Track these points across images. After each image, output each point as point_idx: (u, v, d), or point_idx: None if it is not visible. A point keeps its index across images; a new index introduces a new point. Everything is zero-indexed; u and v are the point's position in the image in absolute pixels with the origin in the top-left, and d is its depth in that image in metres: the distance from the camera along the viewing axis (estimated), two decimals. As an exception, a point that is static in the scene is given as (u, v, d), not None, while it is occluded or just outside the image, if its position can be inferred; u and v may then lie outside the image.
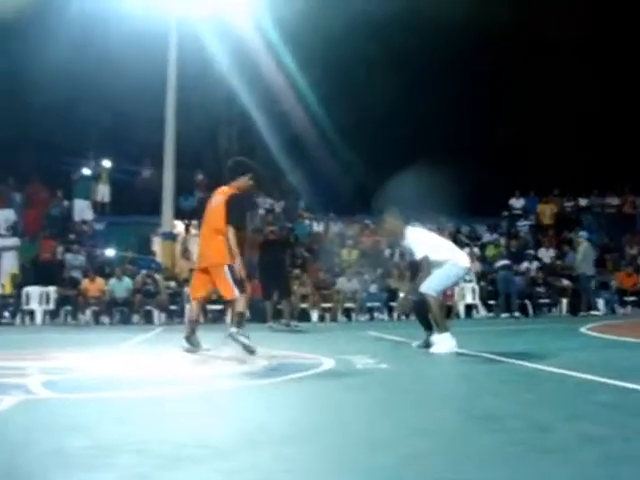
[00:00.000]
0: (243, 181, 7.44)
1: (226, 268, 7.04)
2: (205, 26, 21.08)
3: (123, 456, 2.64)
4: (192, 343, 7.38)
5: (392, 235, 8.12)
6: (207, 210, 7.56)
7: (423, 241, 7.75)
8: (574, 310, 19.17)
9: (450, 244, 8.26)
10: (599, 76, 27.13)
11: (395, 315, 18.53)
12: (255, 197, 21.68)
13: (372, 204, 8.41)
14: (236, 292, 7.02)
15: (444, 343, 7.29)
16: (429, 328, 8.02)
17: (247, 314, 7.40)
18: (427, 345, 7.72)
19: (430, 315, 7.73)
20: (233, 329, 6.96)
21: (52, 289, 17.38)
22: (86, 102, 24.45)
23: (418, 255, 7.65)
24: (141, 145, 24.43)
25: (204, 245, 7.47)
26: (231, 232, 7.02)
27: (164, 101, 20.78)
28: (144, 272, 17.74)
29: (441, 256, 7.68)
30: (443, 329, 7.44)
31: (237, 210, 7.21)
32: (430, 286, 7.53)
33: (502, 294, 18.68)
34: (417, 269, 7.92)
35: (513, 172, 26.26)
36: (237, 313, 7.10)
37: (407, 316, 17.44)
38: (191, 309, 7.97)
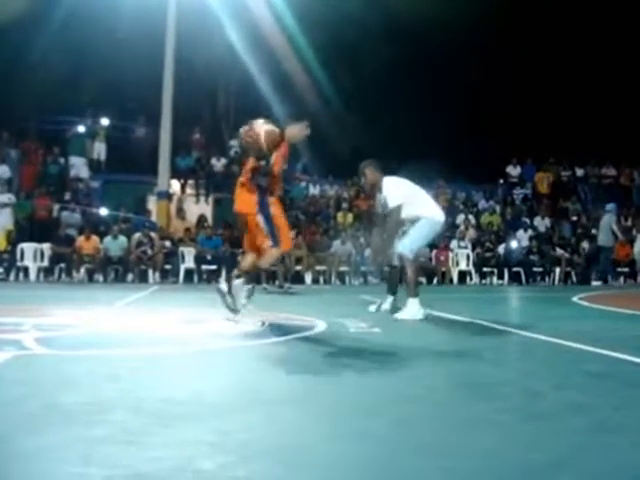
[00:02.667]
0: (296, 127, 6.33)
1: (259, 217, 6.19)
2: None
3: (118, 412, 2.67)
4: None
5: (373, 187, 7.91)
6: None
7: (399, 190, 7.61)
8: (585, 279, 19.54)
9: (425, 196, 7.94)
10: (599, 47, 26.98)
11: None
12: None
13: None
14: (269, 242, 6.19)
15: (411, 309, 7.19)
16: (394, 293, 8.12)
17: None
18: (393, 310, 7.72)
19: (404, 278, 7.61)
20: (237, 281, 6.21)
21: (46, 246, 17.35)
22: (83, 60, 24.26)
23: (391, 204, 7.49)
24: (138, 103, 24.27)
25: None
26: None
27: (162, 59, 20.60)
28: (140, 233, 17.69)
29: (415, 210, 7.53)
30: (413, 294, 7.28)
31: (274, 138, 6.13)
32: (406, 245, 7.45)
33: None
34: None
35: (510, 139, 26.21)
36: (255, 264, 6.41)
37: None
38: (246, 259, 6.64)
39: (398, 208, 7.44)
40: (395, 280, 8.30)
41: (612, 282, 18.91)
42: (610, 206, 19.06)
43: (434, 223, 7.66)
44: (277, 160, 6.30)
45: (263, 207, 6.20)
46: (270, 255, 6.30)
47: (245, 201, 6.28)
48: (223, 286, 6.30)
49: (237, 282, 6.21)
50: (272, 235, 6.17)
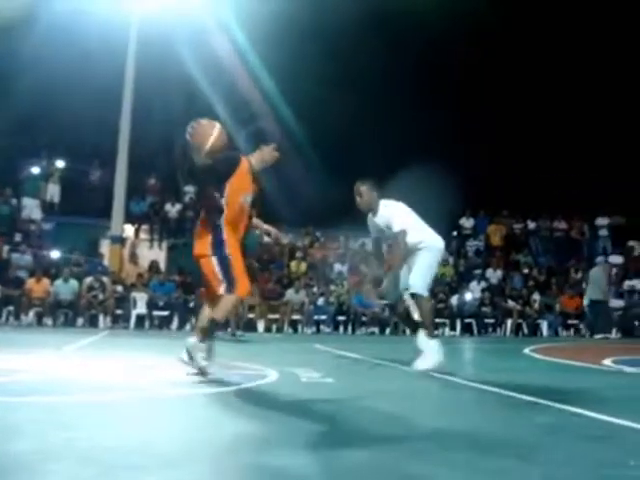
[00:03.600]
0: (267, 150, 6.04)
1: (213, 259, 5.63)
2: (166, 25, 20.94)
3: (66, 462, 2.61)
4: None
5: (369, 208, 7.26)
6: None
7: (401, 214, 7.13)
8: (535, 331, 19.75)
9: (422, 223, 7.36)
10: (554, 98, 27.58)
11: (341, 329, 18.67)
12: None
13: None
14: (222, 288, 5.56)
15: (431, 353, 6.65)
16: (416, 329, 7.14)
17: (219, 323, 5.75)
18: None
19: (417, 317, 7.06)
20: (193, 339, 5.60)
21: (-5, 288, 17.08)
22: (39, 101, 24.12)
23: (396, 227, 6.95)
24: (94, 146, 24.16)
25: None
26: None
27: (120, 103, 20.61)
28: (92, 277, 17.48)
29: (417, 236, 7.03)
30: (430, 334, 6.79)
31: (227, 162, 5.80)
32: (417, 282, 6.86)
33: None
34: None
35: (463, 192, 26.53)
36: (210, 319, 5.65)
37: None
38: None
39: (405, 232, 6.95)
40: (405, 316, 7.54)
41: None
42: (600, 259, 19.33)
43: (437, 250, 7.22)
44: (232, 192, 5.74)
45: (217, 247, 5.60)
46: (225, 303, 5.56)
47: (201, 242, 5.71)
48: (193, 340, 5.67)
49: (192, 341, 5.56)
50: (227, 279, 5.52)
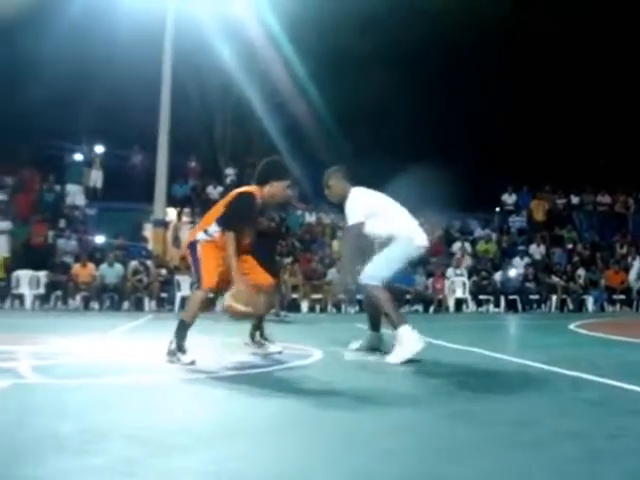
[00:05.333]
0: (277, 187, 5.85)
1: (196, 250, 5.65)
2: (203, 12, 20.99)
3: (113, 442, 2.67)
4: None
5: (339, 199, 6.47)
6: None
7: (364, 203, 6.29)
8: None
9: (405, 216, 6.43)
10: (597, 73, 27.15)
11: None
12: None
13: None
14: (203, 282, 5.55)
15: (405, 343, 5.72)
16: (375, 328, 6.67)
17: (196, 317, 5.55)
18: (371, 348, 6.52)
19: (381, 311, 6.20)
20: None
21: (42, 273, 17.32)
22: (79, 87, 24.34)
23: (350, 219, 6.22)
24: (134, 130, 24.35)
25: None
26: (227, 239, 5.50)
27: (159, 87, 20.70)
28: (136, 261, 17.67)
29: (387, 228, 6.24)
30: (400, 322, 5.87)
31: (237, 213, 5.65)
32: (371, 275, 6.10)
33: None
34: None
35: (506, 167, 26.31)
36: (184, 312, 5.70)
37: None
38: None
39: (358, 226, 6.19)
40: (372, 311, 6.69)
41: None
42: None
43: (410, 247, 6.27)
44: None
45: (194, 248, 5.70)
46: (195, 298, 5.68)
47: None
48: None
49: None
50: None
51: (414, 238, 6.28)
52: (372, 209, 6.28)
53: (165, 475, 2.24)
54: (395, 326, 5.86)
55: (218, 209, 5.75)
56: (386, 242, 6.24)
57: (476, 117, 26.96)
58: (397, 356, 5.64)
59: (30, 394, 3.93)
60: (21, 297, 17.27)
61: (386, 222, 6.25)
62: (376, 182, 6.75)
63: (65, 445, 2.61)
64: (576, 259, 21.65)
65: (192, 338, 5.48)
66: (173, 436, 2.80)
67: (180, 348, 5.37)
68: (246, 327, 6.17)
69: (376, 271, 6.10)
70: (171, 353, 5.38)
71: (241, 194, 5.77)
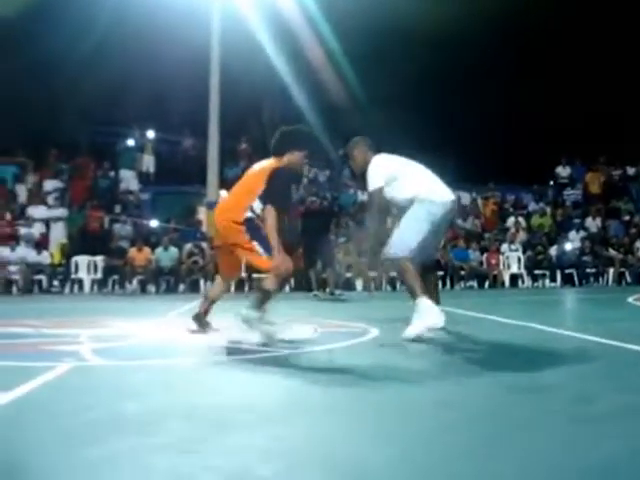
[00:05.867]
0: (297, 157, 5.87)
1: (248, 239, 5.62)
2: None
3: (174, 421, 2.71)
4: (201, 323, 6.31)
5: (363, 170, 6.32)
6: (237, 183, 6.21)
7: (385, 171, 6.16)
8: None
9: (424, 174, 6.25)
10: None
11: (440, 284, 18.52)
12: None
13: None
14: (270, 262, 5.50)
15: (425, 315, 5.48)
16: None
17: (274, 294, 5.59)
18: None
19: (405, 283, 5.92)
20: (249, 311, 5.49)
21: (99, 258, 17.63)
22: (128, 73, 24.59)
23: (370, 186, 6.13)
24: (183, 115, 24.55)
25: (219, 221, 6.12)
26: (271, 214, 5.48)
27: (207, 71, 20.80)
28: (191, 244, 17.83)
29: (406, 191, 6.05)
30: (420, 294, 5.59)
31: (283, 188, 5.72)
32: (398, 245, 5.87)
33: None
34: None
35: (559, 140, 25.90)
36: (263, 290, 5.62)
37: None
38: (214, 287, 6.62)
39: (377, 192, 6.09)
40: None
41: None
42: None
43: (431, 205, 5.96)
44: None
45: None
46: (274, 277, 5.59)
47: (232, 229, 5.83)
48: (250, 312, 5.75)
49: (250, 313, 5.51)
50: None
51: (434, 194, 6.01)
52: (392, 173, 6.14)
53: (227, 452, 2.27)
54: (415, 296, 5.61)
55: (252, 186, 5.81)
56: (408, 206, 6.03)
57: (528, 91, 26.58)
58: (415, 328, 5.42)
59: (91, 376, 4.01)
60: (80, 282, 17.62)
61: (405, 184, 6.09)
62: (420, 158, 6.62)
63: (127, 425, 2.66)
64: (633, 231, 21.25)
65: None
66: (233, 414, 2.84)
67: (261, 320, 5.48)
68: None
69: (402, 240, 5.85)
70: (252, 324, 5.47)
71: (278, 169, 5.75)
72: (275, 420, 2.75)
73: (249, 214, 5.69)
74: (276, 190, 5.64)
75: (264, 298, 5.52)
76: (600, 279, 19.50)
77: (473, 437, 2.47)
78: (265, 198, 5.61)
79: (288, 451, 2.29)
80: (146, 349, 5.41)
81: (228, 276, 6.52)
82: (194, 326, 6.29)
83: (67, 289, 17.60)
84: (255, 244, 5.58)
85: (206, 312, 6.35)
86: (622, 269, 19.51)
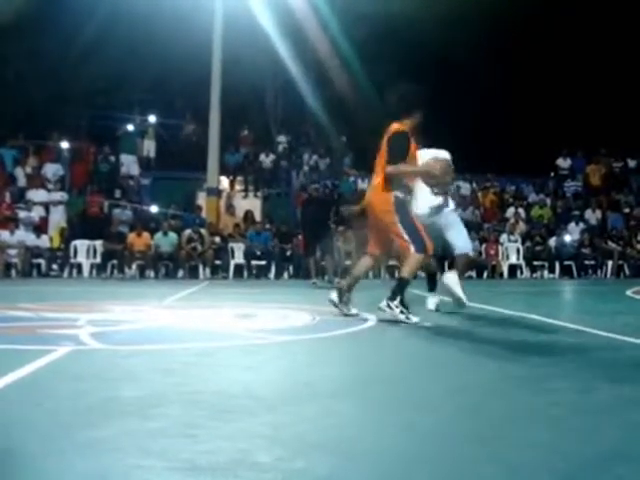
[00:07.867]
0: (419, 119, 6.02)
1: (397, 219, 5.86)
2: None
3: (174, 406, 2.71)
4: (342, 300, 6.49)
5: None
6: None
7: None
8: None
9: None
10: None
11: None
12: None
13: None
14: (412, 248, 5.77)
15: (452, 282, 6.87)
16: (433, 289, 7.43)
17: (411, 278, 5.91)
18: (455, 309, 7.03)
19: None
20: (389, 304, 5.81)
21: (99, 243, 17.62)
22: (130, 58, 24.54)
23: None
24: (185, 100, 24.51)
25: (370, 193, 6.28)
26: (400, 167, 5.77)
27: (210, 57, 20.74)
28: (190, 230, 17.84)
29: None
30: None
31: (401, 149, 5.84)
32: (468, 246, 7.30)
33: None
34: None
35: (560, 132, 25.87)
36: (400, 277, 5.97)
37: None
38: (360, 264, 6.69)
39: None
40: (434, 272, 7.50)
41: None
42: None
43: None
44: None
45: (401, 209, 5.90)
46: (416, 261, 5.84)
47: (382, 200, 5.99)
48: (333, 296, 6.46)
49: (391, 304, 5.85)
50: (415, 239, 5.80)
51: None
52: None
53: (227, 438, 2.27)
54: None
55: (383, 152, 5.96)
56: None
57: (529, 83, 26.53)
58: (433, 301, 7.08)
59: (90, 360, 4.01)
60: (79, 266, 17.62)
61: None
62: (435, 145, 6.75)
63: (126, 409, 2.66)
64: (633, 224, 21.26)
65: (261, 303, 5.52)
66: (234, 400, 2.84)
67: (406, 307, 5.74)
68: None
69: (467, 239, 7.25)
70: (396, 311, 5.71)
71: (395, 132, 5.88)
72: (277, 407, 2.75)
73: (399, 193, 5.87)
74: (392, 152, 5.84)
75: (402, 287, 5.82)
76: (599, 271, 19.51)
77: (480, 425, 2.47)
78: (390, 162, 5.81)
79: (290, 438, 2.29)
80: (145, 334, 5.41)
81: (373, 252, 6.55)
82: (334, 295, 6.49)
83: (66, 273, 17.60)
84: (400, 228, 5.80)
85: (349, 288, 6.52)
86: (621, 262, 19.52)
